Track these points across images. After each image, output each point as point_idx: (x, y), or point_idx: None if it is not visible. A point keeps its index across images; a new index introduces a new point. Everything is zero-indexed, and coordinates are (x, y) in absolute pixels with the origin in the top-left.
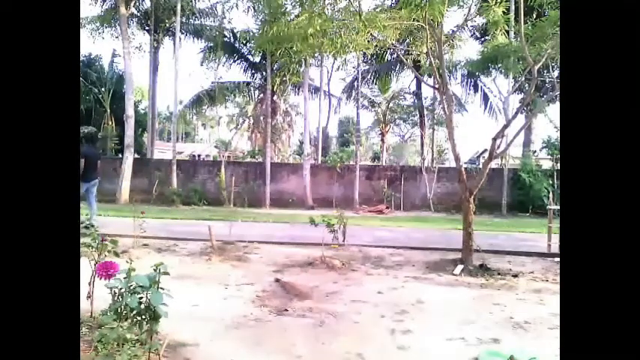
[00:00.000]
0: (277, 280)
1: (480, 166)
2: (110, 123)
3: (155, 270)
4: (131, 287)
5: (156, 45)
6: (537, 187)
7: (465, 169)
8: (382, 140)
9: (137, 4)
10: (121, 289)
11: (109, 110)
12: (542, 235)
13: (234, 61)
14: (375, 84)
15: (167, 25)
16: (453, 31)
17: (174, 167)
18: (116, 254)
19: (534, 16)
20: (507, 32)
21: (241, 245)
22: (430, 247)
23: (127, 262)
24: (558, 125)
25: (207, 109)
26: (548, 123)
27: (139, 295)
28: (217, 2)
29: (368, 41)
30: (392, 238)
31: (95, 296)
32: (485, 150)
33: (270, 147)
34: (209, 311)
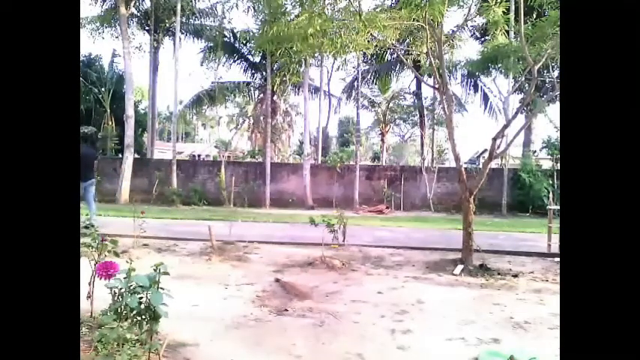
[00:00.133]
0: (277, 280)
1: (480, 166)
2: (110, 123)
3: (155, 270)
4: (131, 287)
5: (156, 45)
6: (537, 187)
7: (465, 169)
8: (382, 140)
9: (137, 4)
10: (121, 289)
11: (109, 110)
12: (542, 235)
13: (234, 61)
14: (375, 84)
15: (167, 25)
16: (453, 31)
17: (174, 167)
18: (116, 254)
19: (534, 16)
20: (507, 32)
21: (241, 245)
22: (430, 247)
23: (127, 262)
24: (558, 125)
25: (207, 109)
26: (548, 123)
27: (139, 295)
28: (217, 2)
29: (368, 41)
30: (392, 238)
31: (95, 296)
32: (485, 150)
33: (270, 147)
34: (209, 311)
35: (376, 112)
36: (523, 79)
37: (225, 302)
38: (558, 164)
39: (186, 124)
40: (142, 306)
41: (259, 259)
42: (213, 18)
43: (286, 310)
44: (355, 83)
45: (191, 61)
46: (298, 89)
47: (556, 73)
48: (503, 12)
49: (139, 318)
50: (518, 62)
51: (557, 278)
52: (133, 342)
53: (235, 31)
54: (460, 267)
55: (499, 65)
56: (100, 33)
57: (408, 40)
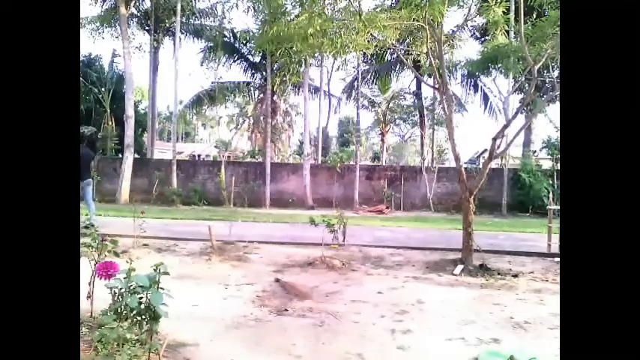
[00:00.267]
0: (277, 280)
1: (480, 166)
2: (110, 123)
3: (155, 270)
4: (131, 287)
5: (156, 45)
6: (537, 187)
7: (465, 169)
8: (382, 140)
9: (137, 4)
10: (121, 289)
11: (109, 110)
12: (542, 235)
13: (234, 61)
14: (375, 84)
15: (167, 25)
16: (453, 31)
17: (174, 167)
18: (116, 254)
19: (534, 16)
20: (507, 32)
21: (241, 245)
22: (430, 247)
23: (127, 262)
24: (558, 125)
25: (207, 109)
26: (548, 123)
27: (139, 295)
28: (217, 2)
29: (368, 41)
30: (392, 238)
31: (95, 296)
32: (485, 150)
33: (270, 147)
34: (209, 311)
35: (376, 112)
36: (523, 79)
37: (225, 302)
38: (558, 164)
39: (186, 124)
40: (142, 306)
41: (259, 259)
42: (213, 18)
43: (286, 310)
44: (355, 83)
45: (191, 61)
46: (298, 89)
47: (556, 73)
48: (503, 12)
49: (139, 318)
50: (518, 62)
51: (557, 278)
52: (133, 342)
53: (235, 31)
54: (460, 267)
55: (499, 65)
56: (100, 33)
57: (408, 40)
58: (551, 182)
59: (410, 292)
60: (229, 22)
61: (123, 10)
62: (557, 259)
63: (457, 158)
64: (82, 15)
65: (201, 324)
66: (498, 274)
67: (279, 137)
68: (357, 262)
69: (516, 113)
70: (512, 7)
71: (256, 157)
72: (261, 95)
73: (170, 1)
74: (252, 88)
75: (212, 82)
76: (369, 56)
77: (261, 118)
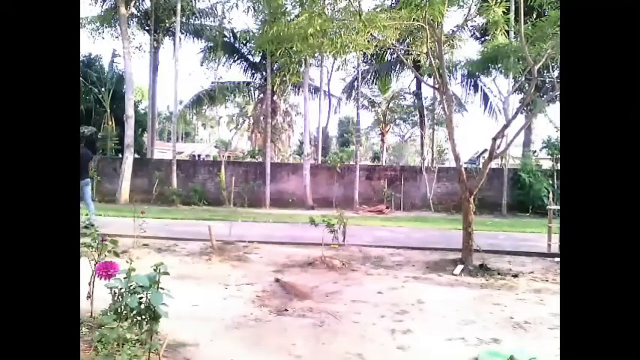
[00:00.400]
0: (277, 280)
1: (480, 166)
2: (110, 123)
3: (155, 270)
4: (131, 287)
5: (156, 45)
6: (537, 187)
7: (465, 169)
8: (382, 140)
9: (137, 4)
10: (121, 289)
11: (109, 110)
12: (542, 235)
13: (234, 61)
14: (375, 84)
15: (167, 25)
16: (453, 31)
17: (174, 167)
18: (116, 254)
19: (534, 16)
20: (507, 32)
21: (241, 245)
22: (430, 247)
23: (127, 262)
24: (558, 125)
25: (207, 109)
26: (548, 123)
27: (139, 295)
28: (217, 2)
29: (368, 41)
30: (392, 238)
31: (95, 296)
32: (485, 150)
33: (270, 147)
34: (209, 311)
35: (376, 112)
36: (523, 79)
37: (225, 302)
38: (558, 164)
39: (186, 124)
40: (142, 306)
41: (259, 259)
42: (213, 18)
43: (286, 310)
44: (355, 83)
45: (191, 61)
46: (298, 89)
47: (556, 73)
48: (503, 12)
49: (139, 318)
50: (518, 62)
51: (557, 278)
52: (133, 342)
53: (235, 31)
54: (460, 267)
55: (499, 65)
56: (100, 33)
57: (408, 40)
58: (551, 182)
59: (410, 292)
60: (229, 22)
61: (123, 10)
62: (557, 259)
63: (457, 158)
64: (82, 15)
65: (201, 324)
66: (498, 274)
67: (279, 137)
68: (357, 262)
69: (516, 113)
70: (512, 7)
71: (256, 157)
72: (261, 95)
73: (170, 1)
74: (252, 88)
75: (212, 82)
76: (369, 56)
77: (261, 118)
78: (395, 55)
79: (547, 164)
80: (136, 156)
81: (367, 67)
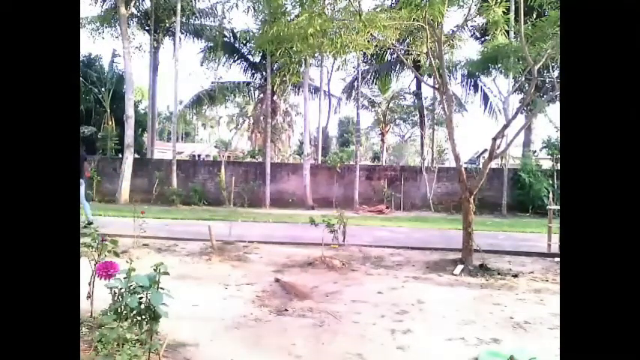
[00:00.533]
0: (277, 280)
1: (480, 166)
2: (110, 123)
3: (155, 270)
4: (131, 287)
5: (156, 45)
6: (537, 187)
7: (465, 169)
8: (382, 140)
9: (137, 4)
10: (121, 289)
11: (109, 110)
12: (542, 235)
13: (234, 61)
14: (375, 84)
15: (167, 25)
16: (453, 31)
17: (174, 167)
18: (116, 254)
19: (534, 16)
20: (507, 32)
21: (241, 245)
22: (430, 247)
23: (127, 262)
24: (558, 125)
25: (207, 109)
26: (548, 123)
27: (139, 295)
28: (217, 2)
29: (368, 41)
30: (392, 238)
31: (95, 296)
32: (485, 150)
33: (270, 147)
34: (209, 311)
35: (376, 112)
36: (523, 79)
37: (225, 302)
38: (558, 164)
39: (186, 124)
40: (142, 306)
41: (259, 259)
42: (213, 18)
43: (286, 310)
44: (355, 83)
45: (191, 61)
46: (298, 89)
47: (556, 73)
48: (503, 12)
49: (139, 318)
50: (518, 62)
51: (557, 278)
52: (133, 342)
53: (235, 31)
54: (460, 267)
55: (499, 65)
56: (100, 33)
57: (408, 40)
58: (551, 182)
59: (410, 292)
60: (229, 22)
61: (123, 10)
62: (557, 259)
63: (457, 158)
64: (82, 15)
65: (201, 324)
66: (498, 274)
67: (279, 137)
68: (357, 262)
69: (516, 113)
70: (513, 7)
71: (256, 157)
72: (261, 95)
73: (170, 1)
74: (252, 88)
75: (212, 82)
76: (369, 56)
77: (261, 118)
78: (395, 55)
79: (547, 164)
80: (136, 156)
81: (367, 67)
